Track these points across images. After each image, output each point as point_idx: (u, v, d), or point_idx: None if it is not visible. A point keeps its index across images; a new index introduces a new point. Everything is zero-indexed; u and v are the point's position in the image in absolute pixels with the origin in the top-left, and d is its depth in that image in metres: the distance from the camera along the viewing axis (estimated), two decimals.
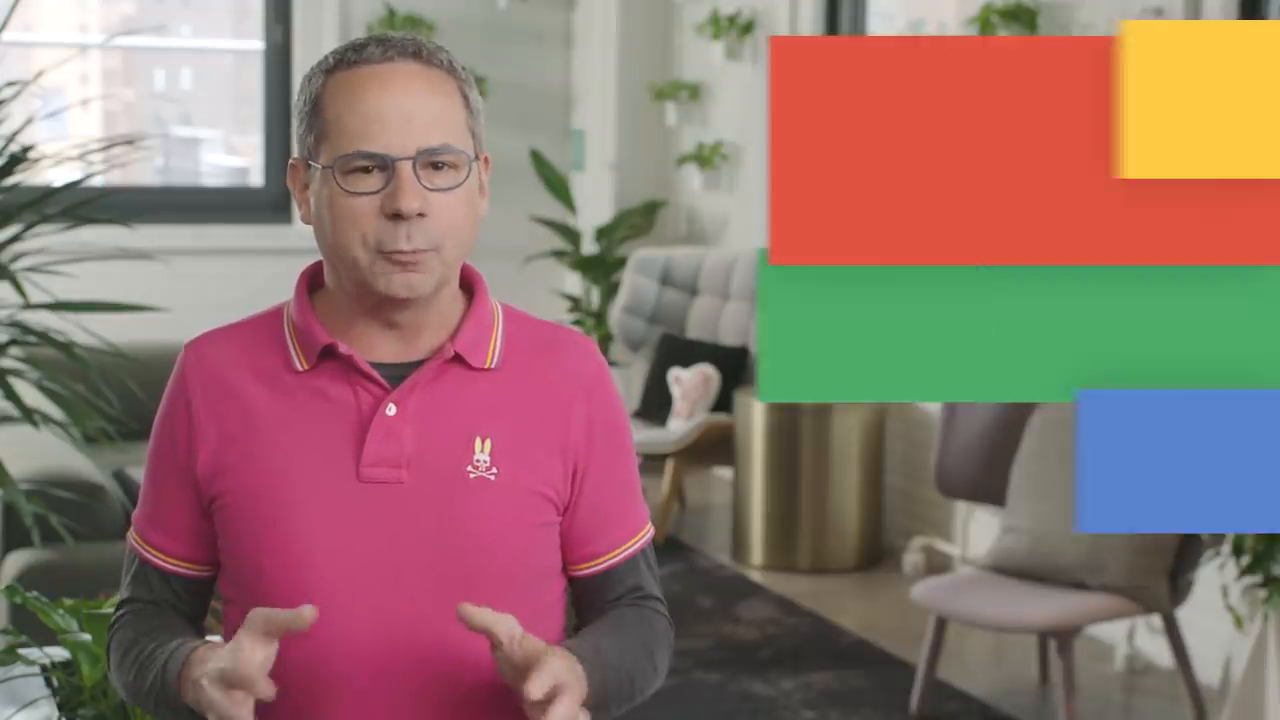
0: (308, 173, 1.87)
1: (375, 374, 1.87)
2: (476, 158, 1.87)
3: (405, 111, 1.81)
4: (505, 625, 1.75)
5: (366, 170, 1.81)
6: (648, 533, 2.00)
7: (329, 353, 1.88)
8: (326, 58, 1.86)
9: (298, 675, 1.83)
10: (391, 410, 1.86)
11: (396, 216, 1.79)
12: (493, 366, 1.90)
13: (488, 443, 1.87)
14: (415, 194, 1.80)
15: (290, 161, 1.90)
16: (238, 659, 1.74)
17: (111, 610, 2.14)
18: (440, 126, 1.82)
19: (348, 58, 1.84)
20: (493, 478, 1.86)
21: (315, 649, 1.82)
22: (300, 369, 1.89)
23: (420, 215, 1.80)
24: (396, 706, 1.85)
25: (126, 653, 1.92)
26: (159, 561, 1.95)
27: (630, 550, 1.96)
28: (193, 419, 1.90)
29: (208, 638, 1.92)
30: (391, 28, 7.14)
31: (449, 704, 1.86)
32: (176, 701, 1.82)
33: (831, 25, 6.61)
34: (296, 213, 1.94)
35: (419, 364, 1.88)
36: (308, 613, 1.73)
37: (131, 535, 1.98)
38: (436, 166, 1.82)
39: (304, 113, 1.86)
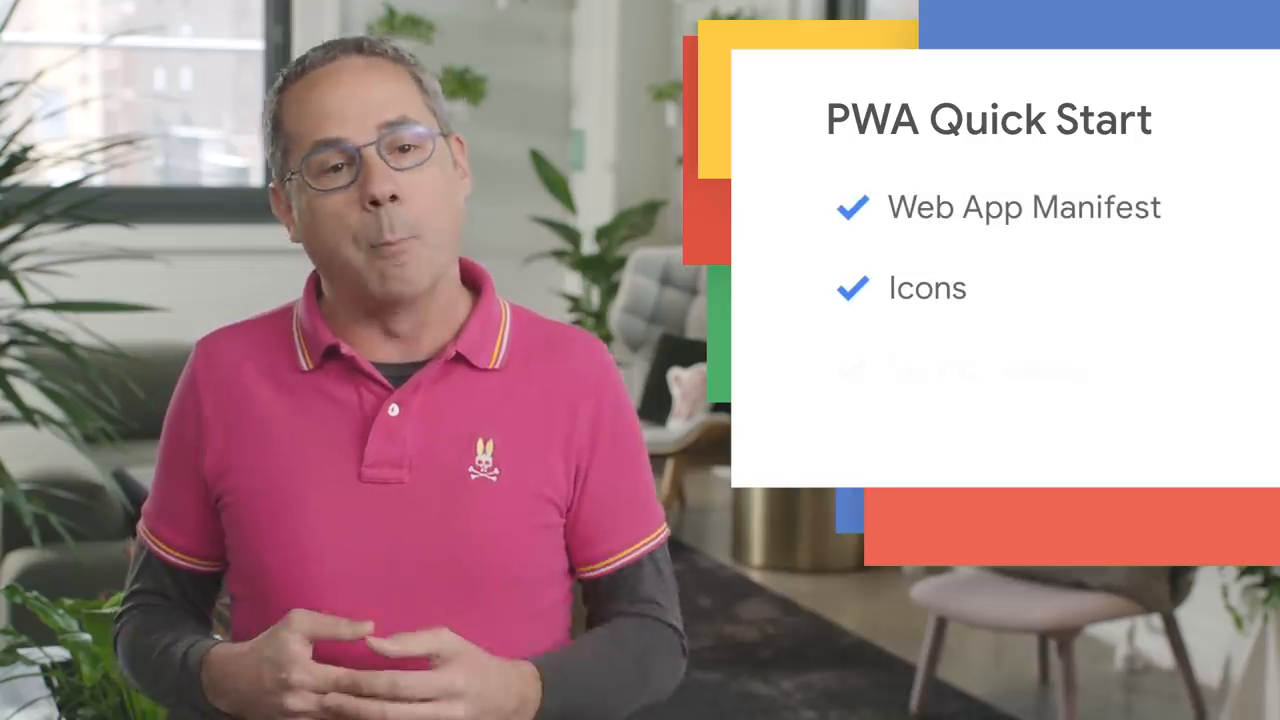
0: (285, 191, 1.87)
1: (378, 374, 1.87)
2: (444, 136, 1.87)
3: (359, 99, 1.82)
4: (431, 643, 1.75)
5: (336, 169, 1.82)
6: (659, 535, 1.98)
7: (333, 353, 1.88)
8: (277, 78, 1.89)
9: None
10: (394, 410, 1.86)
11: (373, 204, 1.80)
12: (497, 367, 1.90)
13: (490, 444, 1.86)
14: (385, 176, 1.80)
15: (270, 187, 1.91)
16: (303, 668, 1.75)
17: (112, 610, 2.14)
18: (396, 104, 1.83)
19: (294, 70, 1.86)
20: (494, 479, 1.85)
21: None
22: (305, 368, 1.89)
23: (394, 199, 1.80)
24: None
25: (135, 648, 1.94)
26: (167, 555, 1.96)
27: (637, 553, 1.95)
28: (201, 416, 1.91)
29: (214, 635, 1.93)
30: (391, 28, 7.13)
31: None
32: (200, 703, 1.85)
33: None
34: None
35: (423, 364, 1.88)
36: (366, 627, 1.74)
37: (141, 527, 1.99)
38: (403, 149, 1.82)
39: (268, 135, 1.88)
